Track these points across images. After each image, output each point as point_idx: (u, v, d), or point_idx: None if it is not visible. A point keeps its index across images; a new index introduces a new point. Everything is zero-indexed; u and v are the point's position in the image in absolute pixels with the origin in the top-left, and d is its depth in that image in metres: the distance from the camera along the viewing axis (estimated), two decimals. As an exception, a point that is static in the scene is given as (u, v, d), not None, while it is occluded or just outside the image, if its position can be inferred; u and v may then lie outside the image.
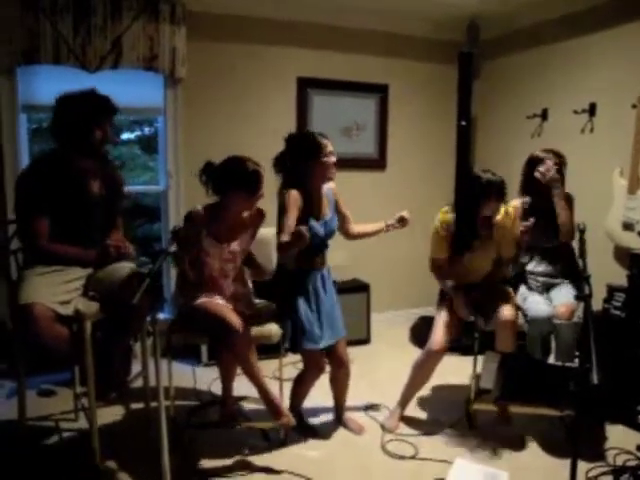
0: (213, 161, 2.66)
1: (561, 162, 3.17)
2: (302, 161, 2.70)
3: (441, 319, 3.00)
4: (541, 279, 3.18)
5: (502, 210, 2.93)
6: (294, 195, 2.66)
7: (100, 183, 2.66)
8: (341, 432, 2.98)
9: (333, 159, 2.73)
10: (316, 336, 2.71)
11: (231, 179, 2.60)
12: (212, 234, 2.64)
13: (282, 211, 2.67)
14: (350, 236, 3.04)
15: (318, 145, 2.69)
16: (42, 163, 2.61)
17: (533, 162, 3.18)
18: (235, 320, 2.50)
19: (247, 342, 2.56)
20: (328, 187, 2.87)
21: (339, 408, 3.05)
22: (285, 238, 2.56)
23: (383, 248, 4.69)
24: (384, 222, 2.99)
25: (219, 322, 2.49)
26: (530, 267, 3.21)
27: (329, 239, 2.87)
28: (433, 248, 3.03)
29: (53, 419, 2.98)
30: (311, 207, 2.74)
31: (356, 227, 3.04)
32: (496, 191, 2.80)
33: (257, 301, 2.94)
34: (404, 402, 3.08)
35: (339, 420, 3.05)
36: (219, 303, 2.63)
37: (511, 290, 3.10)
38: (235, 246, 2.72)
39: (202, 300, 2.61)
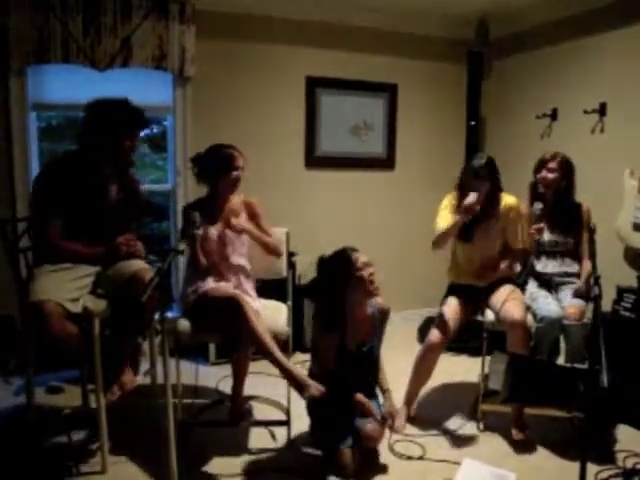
0: (199, 152, 2.89)
1: (562, 165, 3.16)
2: (336, 283, 2.54)
3: (442, 314, 3.03)
4: (549, 279, 3.16)
5: (504, 200, 3.00)
6: (329, 342, 2.56)
7: (118, 188, 2.68)
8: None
9: (370, 270, 2.52)
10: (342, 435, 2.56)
11: (210, 165, 2.82)
12: (208, 221, 2.80)
13: (315, 347, 2.68)
14: None
15: (348, 259, 2.52)
16: (62, 164, 2.62)
17: (538, 164, 3.22)
18: (240, 294, 2.63)
19: (255, 313, 2.59)
20: (379, 308, 2.69)
21: None
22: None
23: (391, 248, 4.68)
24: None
25: (225, 300, 2.58)
26: (539, 267, 3.19)
27: (365, 367, 2.67)
28: (438, 221, 3.02)
29: (61, 416, 3.00)
30: (344, 332, 2.57)
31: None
32: (474, 172, 2.89)
33: (266, 301, 2.97)
34: (409, 400, 3.09)
35: None
36: (222, 286, 2.74)
37: (519, 290, 3.08)
38: (230, 228, 2.84)
39: (206, 288, 2.71)
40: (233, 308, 2.53)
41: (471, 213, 2.86)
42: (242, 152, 2.89)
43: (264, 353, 2.52)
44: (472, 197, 2.85)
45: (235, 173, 2.82)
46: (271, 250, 2.93)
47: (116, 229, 2.65)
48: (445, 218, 2.99)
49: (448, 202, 3.06)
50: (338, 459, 2.49)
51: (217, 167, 2.82)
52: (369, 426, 2.54)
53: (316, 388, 2.44)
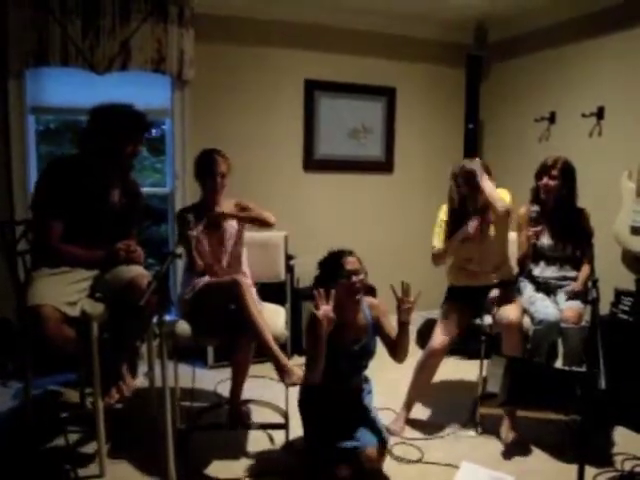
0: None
1: (564, 172, 3.10)
2: (324, 281, 2.48)
3: (443, 319, 3.03)
4: (547, 282, 3.15)
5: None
6: (319, 325, 2.36)
7: (120, 193, 2.69)
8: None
9: (354, 278, 2.45)
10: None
11: (196, 170, 2.94)
12: (201, 222, 2.82)
13: (309, 338, 2.52)
14: (398, 361, 2.63)
15: (336, 263, 2.48)
16: (64, 167, 2.61)
17: (540, 170, 3.17)
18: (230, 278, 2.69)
19: (248, 289, 2.62)
20: (368, 304, 2.63)
21: None
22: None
23: (390, 250, 4.68)
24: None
25: (218, 286, 2.68)
26: (536, 271, 3.18)
27: (363, 362, 2.59)
28: (434, 239, 3.06)
29: (59, 420, 2.99)
30: (336, 332, 2.42)
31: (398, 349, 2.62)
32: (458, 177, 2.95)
33: (264, 304, 2.97)
34: (409, 404, 3.08)
35: None
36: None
37: (517, 293, 3.08)
38: (222, 230, 2.91)
39: (204, 282, 2.78)
40: (233, 291, 2.56)
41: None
42: (227, 157, 2.92)
43: (256, 334, 2.54)
44: (472, 226, 2.89)
45: (216, 179, 2.87)
46: (261, 222, 2.94)
47: (117, 233, 2.65)
48: (439, 236, 3.03)
49: (440, 218, 3.06)
50: (335, 475, 2.37)
51: (201, 171, 2.91)
52: (369, 449, 2.41)
53: (298, 377, 2.45)
